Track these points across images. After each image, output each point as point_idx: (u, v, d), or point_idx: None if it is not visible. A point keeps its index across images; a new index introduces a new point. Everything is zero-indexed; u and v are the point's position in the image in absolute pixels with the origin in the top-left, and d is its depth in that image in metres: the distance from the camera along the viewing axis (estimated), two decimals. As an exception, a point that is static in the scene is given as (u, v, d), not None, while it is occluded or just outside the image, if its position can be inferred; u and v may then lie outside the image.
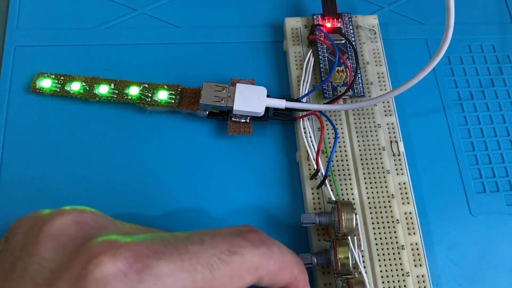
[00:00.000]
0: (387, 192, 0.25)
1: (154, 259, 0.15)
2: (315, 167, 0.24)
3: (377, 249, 0.24)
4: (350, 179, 0.25)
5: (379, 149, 0.26)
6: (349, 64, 0.27)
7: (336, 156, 0.26)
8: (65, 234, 0.16)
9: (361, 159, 0.26)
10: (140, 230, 0.18)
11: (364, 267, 0.23)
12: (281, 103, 0.26)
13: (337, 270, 0.21)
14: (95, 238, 0.16)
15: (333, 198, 0.24)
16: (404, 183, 0.25)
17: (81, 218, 0.17)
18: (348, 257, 0.21)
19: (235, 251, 0.17)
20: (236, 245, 0.17)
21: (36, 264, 0.16)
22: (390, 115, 0.27)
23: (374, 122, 0.27)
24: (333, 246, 0.22)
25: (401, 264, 0.23)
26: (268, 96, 0.26)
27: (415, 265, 0.24)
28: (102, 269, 0.15)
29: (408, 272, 0.23)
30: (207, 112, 0.26)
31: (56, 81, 0.27)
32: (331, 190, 0.24)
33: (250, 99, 0.25)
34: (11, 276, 0.16)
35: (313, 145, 0.25)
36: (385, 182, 0.25)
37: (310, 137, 0.25)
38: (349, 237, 0.22)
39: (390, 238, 0.24)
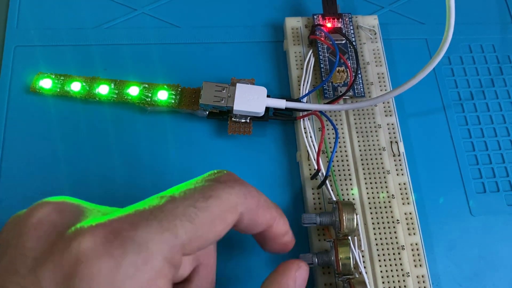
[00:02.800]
0: (387, 192, 0.25)
1: (132, 230, 0.15)
2: (316, 167, 0.24)
3: (377, 249, 0.24)
4: (350, 179, 0.25)
5: (379, 149, 0.26)
6: (349, 64, 0.27)
7: (336, 156, 0.26)
8: (45, 222, 0.16)
9: (361, 159, 0.26)
10: (119, 211, 0.18)
11: (364, 267, 0.23)
12: (281, 103, 0.26)
13: (338, 270, 0.21)
14: (77, 223, 0.16)
15: (334, 198, 0.24)
16: (404, 184, 0.25)
17: (61, 206, 0.17)
18: (349, 257, 0.21)
19: (210, 195, 0.17)
20: (210, 190, 0.17)
21: (19, 255, 0.16)
22: (390, 115, 0.27)
23: (374, 122, 0.27)
24: (334, 246, 0.22)
25: (401, 264, 0.23)
26: (268, 96, 0.26)
27: (415, 265, 0.24)
28: (82, 249, 0.15)
29: (408, 272, 0.23)
30: (207, 112, 0.26)
31: (56, 81, 0.27)
32: (331, 190, 0.24)
33: (250, 99, 0.25)
34: None
35: (313, 145, 0.25)
36: (385, 182, 0.25)
37: (311, 137, 0.25)
38: (349, 237, 0.22)
39: (390, 238, 0.24)
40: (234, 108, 0.25)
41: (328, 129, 0.26)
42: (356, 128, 0.26)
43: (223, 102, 0.25)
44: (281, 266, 0.19)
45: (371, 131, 0.26)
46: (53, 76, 0.27)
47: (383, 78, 0.28)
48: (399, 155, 0.26)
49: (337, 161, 0.26)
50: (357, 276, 0.22)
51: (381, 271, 0.23)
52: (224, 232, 0.17)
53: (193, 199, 0.17)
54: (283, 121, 0.27)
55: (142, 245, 0.15)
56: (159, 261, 0.15)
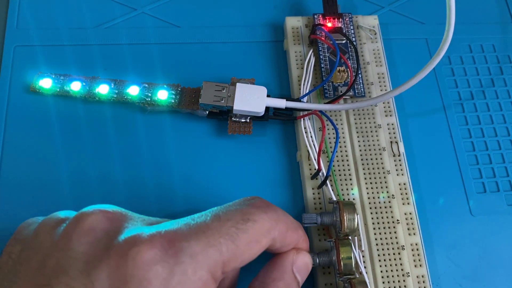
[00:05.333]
0: (387, 192, 0.25)
1: (184, 242, 0.16)
2: (316, 167, 0.24)
3: (377, 250, 0.24)
4: (350, 179, 0.25)
5: (379, 149, 0.26)
6: (350, 64, 0.27)
7: (337, 156, 0.26)
8: (97, 229, 0.17)
9: (362, 159, 0.26)
10: (163, 221, 0.19)
11: (365, 267, 0.23)
12: (281, 103, 0.26)
13: (339, 270, 0.21)
14: (127, 230, 0.17)
15: (334, 198, 0.24)
16: (404, 184, 0.25)
17: (111, 214, 0.18)
18: (351, 257, 0.21)
19: (248, 218, 0.18)
20: (247, 213, 0.18)
21: (69, 258, 0.16)
22: (390, 115, 0.27)
23: (374, 122, 0.27)
24: (335, 246, 0.22)
25: (401, 264, 0.23)
26: (268, 95, 0.26)
27: (415, 266, 0.24)
28: (142, 256, 0.16)
29: (408, 272, 0.23)
30: (207, 112, 0.26)
31: (56, 81, 0.27)
32: (332, 190, 0.24)
33: (250, 99, 0.25)
34: (42, 272, 0.16)
35: (313, 144, 0.25)
36: (385, 182, 0.25)
37: (311, 136, 0.25)
38: (350, 237, 0.22)
39: (391, 238, 0.24)
40: (234, 108, 0.25)
41: (328, 129, 0.26)
42: (356, 128, 0.26)
43: (223, 102, 0.25)
44: (281, 253, 0.21)
45: (371, 131, 0.26)
46: (53, 76, 0.27)
47: (383, 78, 0.28)
48: (399, 155, 0.26)
49: (337, 161, 0.26)
50: (357, 276, 0.22)
51: (381, 271, 0.23)
52: (257, 254, 0.18)
53: (235, 221, 0.18)
54: (283, 121, 0.27)
55: (192, 256, 0.16)
56: (206, 273, 0.16)
